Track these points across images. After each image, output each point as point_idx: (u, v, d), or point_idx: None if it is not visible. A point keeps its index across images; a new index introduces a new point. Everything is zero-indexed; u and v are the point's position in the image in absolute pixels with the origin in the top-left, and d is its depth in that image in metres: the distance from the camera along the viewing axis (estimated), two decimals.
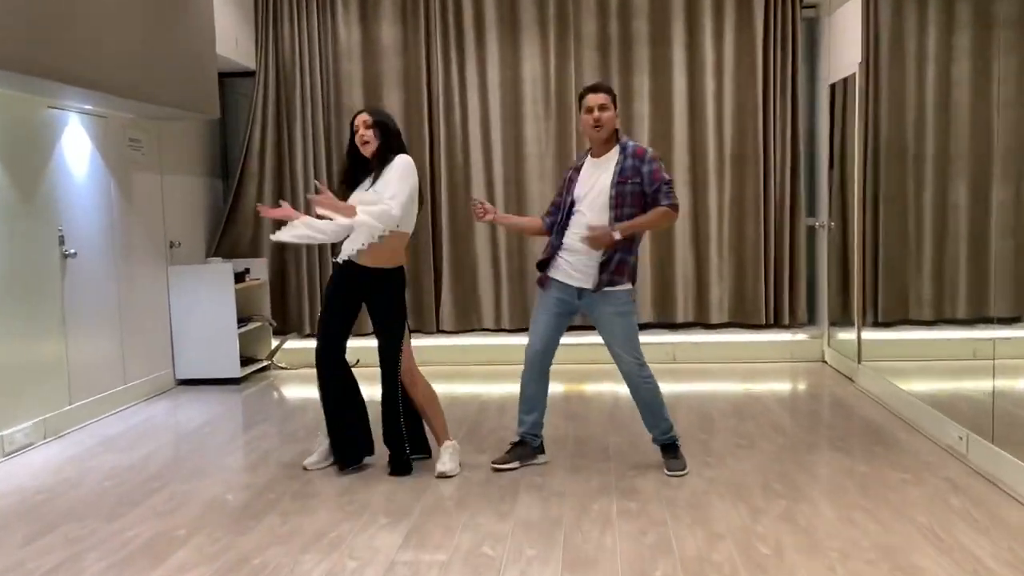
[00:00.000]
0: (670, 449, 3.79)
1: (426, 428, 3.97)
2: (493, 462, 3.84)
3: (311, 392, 5.82)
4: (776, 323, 6.37)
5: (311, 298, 6.52)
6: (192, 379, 5.97)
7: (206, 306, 5.90)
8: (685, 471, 3.70)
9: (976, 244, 5.91)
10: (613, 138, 3.72)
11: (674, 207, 3.65)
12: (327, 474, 3.85)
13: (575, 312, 3.82)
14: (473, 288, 6.53)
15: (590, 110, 3.66)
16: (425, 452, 3.97)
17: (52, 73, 3.99)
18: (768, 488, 3.51)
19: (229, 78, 6.73)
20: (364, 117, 3.75)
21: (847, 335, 5.98)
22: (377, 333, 3.84)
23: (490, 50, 6.36)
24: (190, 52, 5.23)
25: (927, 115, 5.85)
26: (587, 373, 5.70)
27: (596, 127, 3.65)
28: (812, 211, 6.39)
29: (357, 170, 3.81)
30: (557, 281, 3.75)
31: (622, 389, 3.95)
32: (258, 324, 6.33)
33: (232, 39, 6.06)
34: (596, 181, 3.67)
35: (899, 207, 5.94)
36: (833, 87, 5.91)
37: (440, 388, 5.82)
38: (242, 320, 6.12)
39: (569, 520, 3.22)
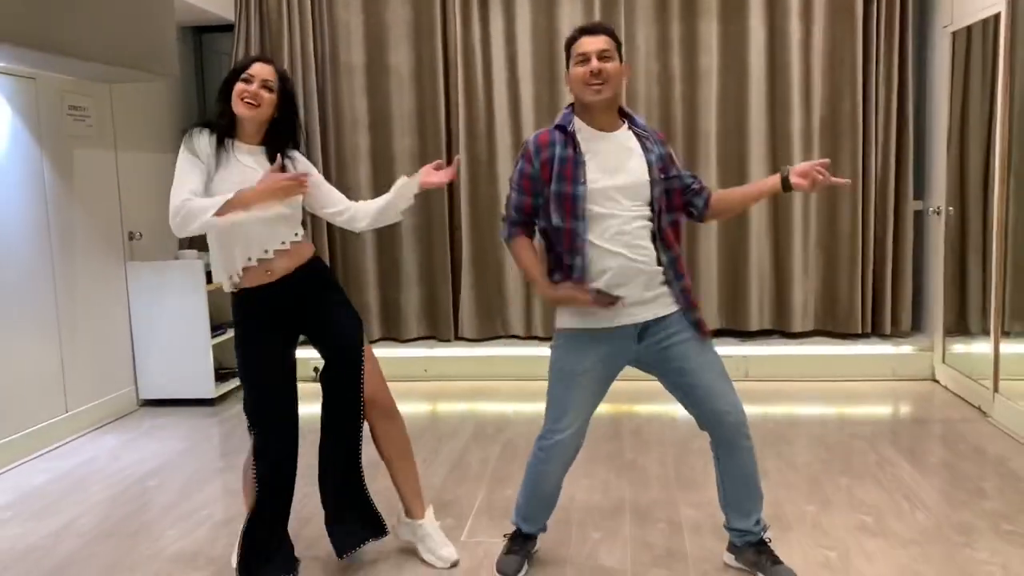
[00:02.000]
0: (764, 547, 2.63)
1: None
2: (500, 571, 2.68)
3: (309, 410, 4.76)
4: (874, 332, 5.15)
5: None
6: (158, 400, 4.92)
7: (174, 311, 4.83)
8: None
9: None
10: (617, 106, 2.52)
11: None
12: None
13: (625, 364, 2.57)
14: (499, 288, 5.38)
15: (585, 58, 2.41)
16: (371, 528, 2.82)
17: None
18: None
19: (207, 33, 5.64)
20: (268, 69, 2.57)
21: (967, 348, 4.76)
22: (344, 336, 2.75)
23: None
24: None
25: None
26: (641, 390, 4.52)
27: (596, 83, 2.40)
28: (919, 193, 5.13)
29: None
30: (592, 331, 2.48)
31: (681, 412, 2.73)
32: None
33: None
34: (619, 165, 2.44)
35: None
36: (954, 35, 4.63)
37: (458, 408, 4.71)
38: (218, 327, 5.05)
39: None
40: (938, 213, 4.87)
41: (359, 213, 2.77)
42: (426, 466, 3.74)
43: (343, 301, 2.75)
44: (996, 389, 4.18)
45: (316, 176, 2.76)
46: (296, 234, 2.64)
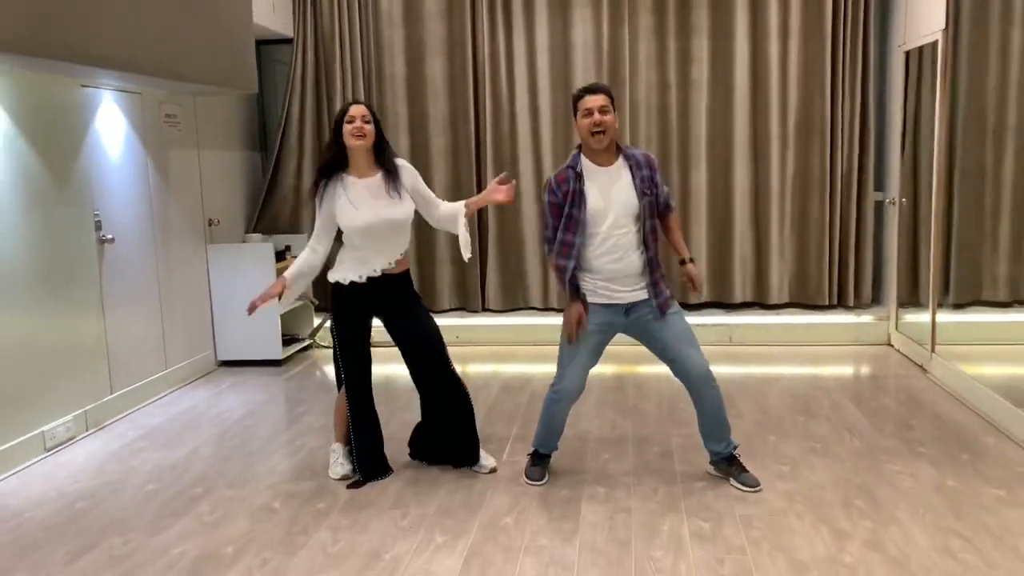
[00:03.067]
0: (735, 460, 3.54)
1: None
2: (528, 477, 3.61)
3: None
4: (840, 304, 6.06)
5: None
6: (233, 360, 5.83)
7: (247, 286, 5.71)
8: (761, 486, 3.45)
9: None
10: (614, 145, 3.39)
11: (674, 211, 3.59)
12: (374, 483, 3.67)
13: (617, 331, 3.50)
14: (520, 266, 6.28)
15: (589, 112, 3.25)
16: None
17: (79, 57, 3.75)
18: (850, 505, 3.26)
19: (265, 45, 6.47)
20: (362, 109, 3.46)
21: (916, 318, 5.66)
22: (426, 330, 3.63)
23: (539, 13, 6.01)
24: (225, 25, 4.96)
25: (1012, 84, 5.43)
26: (640, 354, 5.43)
27: (598, 132, 3.25)
28: (880, 186, 6.02)
29: (333, 167, 3.51)
30: (597, 305, 3.41)
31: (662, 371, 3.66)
32: (299, 303, 6.15)
33: (269, 4, 5.77)
34: (614, 196, 3.30)
35: (977, 181, 5.57)
36: (908, 54, 5.49)
37: (485, 369, 5.59)
38: None
39: (639, 545, 3.01)
40: (893, 203, 5.76)
41: (441, 215, 3.67)
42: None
43: (420, 303, 3.68)
44: (933, 350, 5.09)
45: (419, 184, 3.61)
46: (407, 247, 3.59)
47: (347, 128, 3.42)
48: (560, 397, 3.51)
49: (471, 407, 3.72)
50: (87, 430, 4.45)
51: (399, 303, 3.58)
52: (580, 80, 6.02)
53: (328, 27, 6.11)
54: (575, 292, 3.39)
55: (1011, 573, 2.73)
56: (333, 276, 3.55)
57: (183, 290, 5.43)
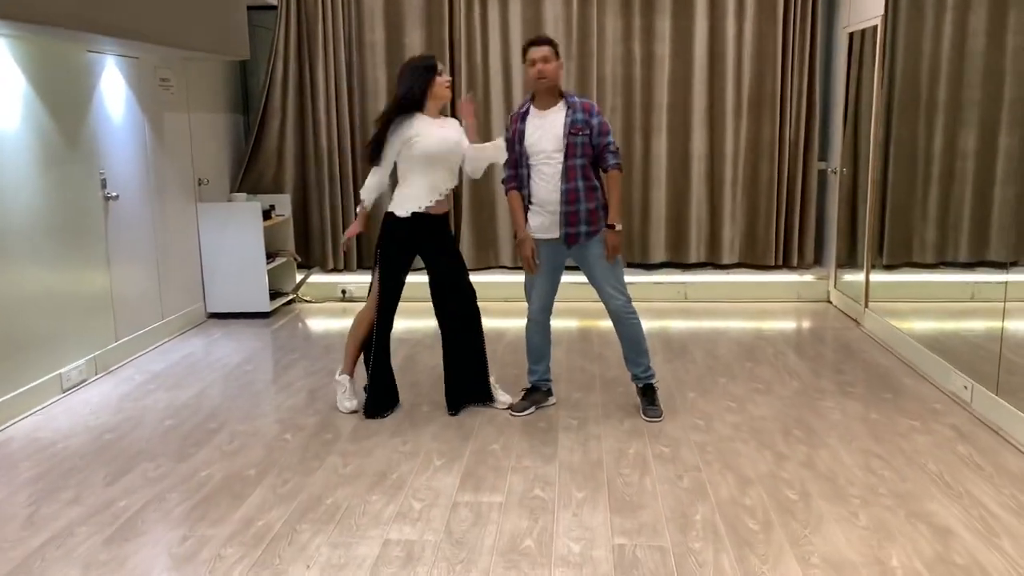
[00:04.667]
0: (649, 392, 4.07)
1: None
2: (511, 409, 4.11)
3: (335, 325, 6.08)
4: (785, 264, 6.61)
5: (334, 233, 6.68)
6: (222, 312, 6.18)
7: (235, 243, 6.06)
8: (661, 418, 3.99)
9: (981, 190, 6.15)
10: (558, 91, 3.88)
11: (619, 168, 3.89)
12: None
13: (564, 262, 4.03)
14: (491, 225, 6.71)
15: (533, 63, 3.80)
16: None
17: (94, 26, 4.05)
18: (788, 434, 3.80)
19: (251, 11, 6.70)
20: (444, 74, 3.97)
21: (853, 277, 6.24)
22: (459, 273, 4.08)
23: None
24: None
25: (942, 66, 5.98)
26: (599, 311, 5.94)
27: (540, 78, 3.79)
28: (824, 156, 6.56)
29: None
30: (541, 239, 3.93)
31: None
32: (284, 260, 6.51)
33: None
34: (546, 132, 3.82)
35: (909, 154, 6.13)
36: (851, 35, 6.00)
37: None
38: (268, 256, 6.29)
39: (609, 464, 3.51)
40: (835, 172, 6.30)
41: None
42: None
43: (455, 247, 4.14)
44: (866, 306, 5.67)
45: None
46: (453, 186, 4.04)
47: (440, 80, 3.90)
48: (528, 318, 4.09)
49: (484, 347, 4.18)
50: (96, 373, 4.80)
51: (443, 242, 4.04)
52: None
53: None
54: (525, 223, 3.95)
55: (918, 483, 3.29)
56: (398, 209, 3.94)
57: (176, 246, 5.76)
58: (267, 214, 6.30)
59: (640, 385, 4.08)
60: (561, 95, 3.88)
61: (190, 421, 4.10)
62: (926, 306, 6.31)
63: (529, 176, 3.91)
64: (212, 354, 5.29)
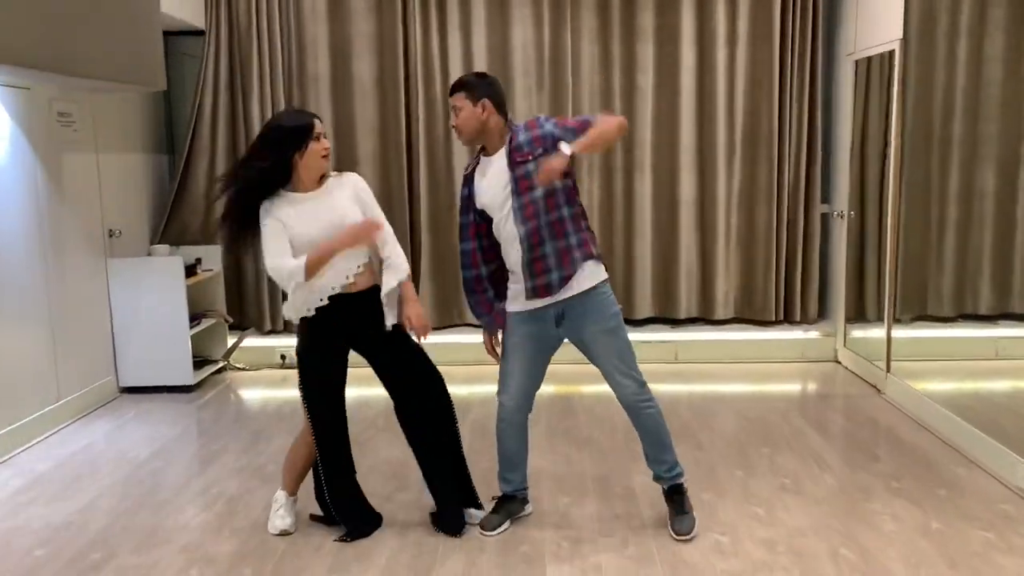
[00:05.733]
0: (676, 495, 3.22)
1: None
2: (482, 527, 3.22)
3: (272, 395, 5.19)
4: (786, 319, 5.87)
5: (271, 289, 5.80)
6: (138, 387, 5.24)
7: (153, 304, 5.15)
8: (694, 533, 3.14)
9: (1003, 234, 5.49)
10: (503, 133, 3.04)
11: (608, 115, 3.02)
12: (308, 536, 3.22)
13: (555, 344, 3.18)
14: (455, 280, 5.87)
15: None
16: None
17: None
18: (838, 557, 2.99)
19: (174, 36, 5.88)
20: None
21: (864, 334, 5.52)
22: (412, 360, 3.21)
23: (476, 12, 5.62)
24: (129, 14, 4.39)
25: (965, 98, 5.33)
26: (582, 373, 5.12)
27: (457, 131, 3.07)
28: (826, 198, 5.86)
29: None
30: (517, 314, 3.11)
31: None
32: (213, 321, 5.60)
33: None
34: (492, 182, 3.03)
35: (923, 195, 5.47)
36: (857, 63, 5.33)
37: None
38: (194, 317, 5.39)
39: None
40: (841, 216, 5.60)
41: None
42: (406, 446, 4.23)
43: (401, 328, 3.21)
44: (888, 370, 4.93)
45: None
46: (367, 259, 3.11)
47: (315, 148, 2.98)
48: (500, 417, 3.22)
49: (462, 450, 3.33)
50: None
51: (378, 325, 3.13)
52: (520, 84, 5.68)
53: (244, 19, 5.58)
54: (487, 312, 3.21)
55: None
56: (300, 310, 3.07)
57: (79, 309, 4.83)
58: (192, 269, 5.41)
59: (665, 487, 3.24)
60: (509, 131, 3.06)
61: (67, 550, 3.16)
62: (949, 365, 5.61)
63: (491, 246, 3.13)
64: (116, 444, 4.35)
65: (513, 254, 3.04)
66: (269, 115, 5.63)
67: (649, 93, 5.67)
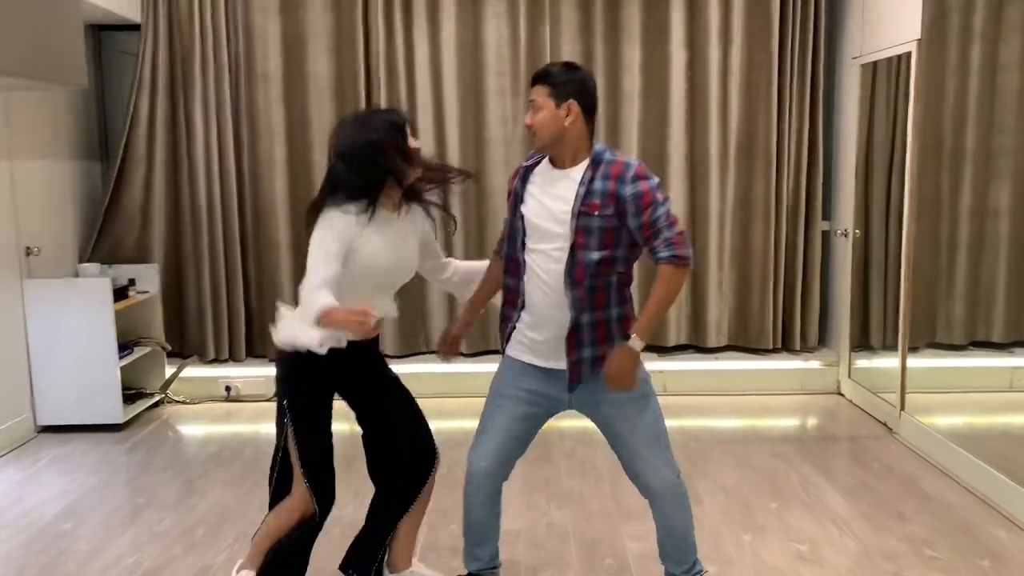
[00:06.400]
0: None
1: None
2: None
3: (214, 431, 4.61)
4: (784, 347, 5.37)
5: (215, 312, 5.19)
6: (59, 426, 4.62)
7: (77, 330, 4.54)
8: None
9: (1020, 256, 5.06)
10: (584, 146, 2.48)
11: (679, 261, 2.38)
12: None
13: (557, 411, 2.62)
14: (421, 302, 5.31)
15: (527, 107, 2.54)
16: None
17: None
18: None
19: (107, 31, 5.30)
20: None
21: (869, 363, 5.05)
22: (405, 412, 2.72)
23: (444, 4, 5.08)
24: (42, 3, 3.80)
25: (979, 106, 4.88)
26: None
27: (532, 134, 2.50)
28: (827, 214, 5.37)
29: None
30: (520, 362, 2.56)
31: (598, 432, 2.75)
32: (148, 349, 4.99)
33: None
34: (549, 202, 2.49)
35: (932, 212, 5.00)
36: (863, 67, 4.86)
37: None
38: (125, 346, 4.78)
39: None
40: (845, 235, 5.11)
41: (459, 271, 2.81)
42: (361, 499, 3.66)
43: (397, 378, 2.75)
44: (903, 408, 4.43)
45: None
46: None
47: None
48: (468, 481, 2.64)
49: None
50: None
51: (379, 373, 2.71)
52: (493, 85, 5.14)
53: (185, 11, 4.99)
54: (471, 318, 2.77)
55: None
56: (311, 343, 2.41)
57: None
58: (123, 291, 4.80)
59: None
60: (590, 149, 2.51)
61: None
62: (960, 399, 5.14)
63: (521, 267, 2.53)
64: (22, 499, 3.74)
65: (539, 297, 2.48)
66: (213, 118, 5.06)
67: (636, 96, 5.16)
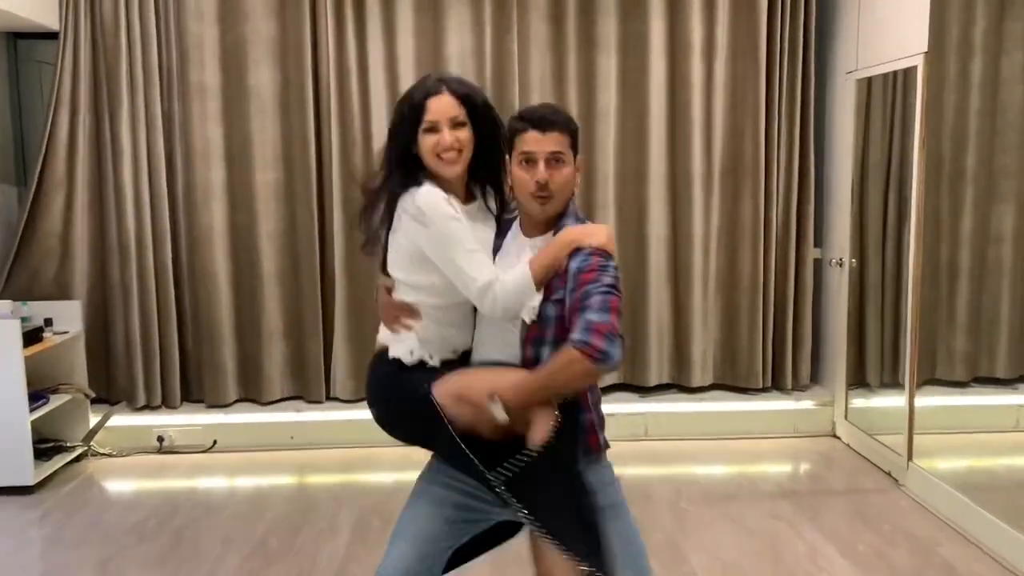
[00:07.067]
0: None
1: None
2: None
3: (144, 487, 4.11)
4: (775, 386, 4.94)
5: (145, 355, 4.64)
6: None
7: None
8: None
9: None
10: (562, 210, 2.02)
11: (590, 352, 1.77)
12: None
13: (491, 519, 2.13)
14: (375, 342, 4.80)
15: (531, 160, 1.95)
16: None
17: None
18: None
19: (26, 39, 4.77)
20: (449, 102, 1.98)
21: (867, 403, 4.67)
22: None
23: (401, 12, 4.61)
24: None
25: (981, 124, 4.53)
26: None
27: (542, 196, 1.95)
28: (819, 241, 4.97)
29: None
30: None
31: None
32: (68, 397, 4.43)
33: None
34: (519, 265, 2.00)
35: (932, 239, 4.62)
36: (859, 83, 4.47)
37: (331, 481, 4.18)
38: (39, 395, 4.22)
39: None
40: (840, 264, 4.71)
41: None
42: None
43: None
44: (911, 458, 4.01)
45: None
46: None
47: (428, 143, 1.98)
48: None
49: None
50: None
51: None
52: None
53: (109, 18, 4.47)
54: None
55: None
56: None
57: None
58: (37, 333, 4.24)
59: None
60: (562, 215, 2.03)
61: None
62: (963, 440, 4.75)
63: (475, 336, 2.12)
64: None
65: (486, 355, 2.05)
66: (142, 136, 4.54)
67: (612, 113, 4.72)
